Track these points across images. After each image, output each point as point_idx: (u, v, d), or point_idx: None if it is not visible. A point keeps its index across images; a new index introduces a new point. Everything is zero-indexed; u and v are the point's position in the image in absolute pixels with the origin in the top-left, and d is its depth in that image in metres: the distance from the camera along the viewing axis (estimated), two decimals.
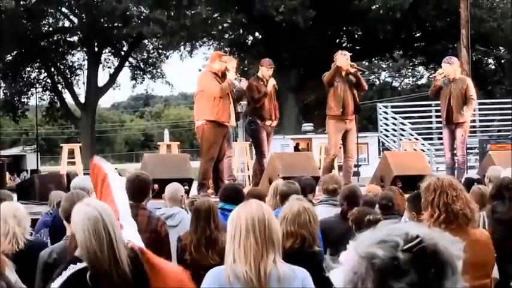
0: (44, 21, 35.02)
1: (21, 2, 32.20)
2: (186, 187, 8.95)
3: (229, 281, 3.12)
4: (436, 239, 1.46)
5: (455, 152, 11.38)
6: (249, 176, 11.42)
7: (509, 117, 24.65)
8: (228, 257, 3.18)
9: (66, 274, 3.11)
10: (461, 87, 11.11)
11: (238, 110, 10.76)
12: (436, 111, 24.06)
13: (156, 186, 6.12)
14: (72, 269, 3.11)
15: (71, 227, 4.15)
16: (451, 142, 11.38)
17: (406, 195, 5.93)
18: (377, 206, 6.06)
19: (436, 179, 3.81)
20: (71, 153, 13.45)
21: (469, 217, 3.72)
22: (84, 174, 15.22)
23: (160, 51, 36.83)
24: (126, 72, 38.20)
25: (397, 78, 54.51)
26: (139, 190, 5.68)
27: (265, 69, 11.13)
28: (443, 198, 3.71)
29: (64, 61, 36.58)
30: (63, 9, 35.02)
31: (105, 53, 36.59)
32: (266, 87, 11.01)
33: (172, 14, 30.87)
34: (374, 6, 28.83)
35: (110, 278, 3.00)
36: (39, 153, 24.12)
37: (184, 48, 34.64)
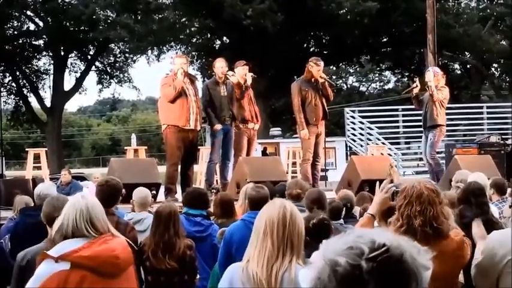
0: (8, 25, 34.57)
1: None
2: (154, 192, 8.88)
3: (241, 281, 3.10)
4: (403, 248, 1.43)
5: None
6: (216, 181, 11.32)
7: (475, 121, 24.95)
8: (245, 257, 3.16)
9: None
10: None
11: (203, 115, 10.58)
12: (403, 115, 24.25)
13: (123, 191, 6.07)
14: None
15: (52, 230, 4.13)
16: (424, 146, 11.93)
17: None
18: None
19: (411, 186, 3.80)
20: (37, 157, 13.28)
21: (429, 235, 3.69)
22: (50, 179, 15.07)
23: (127, 55, 36.58)
24: (92, 76, 37.91)
25: (364, 83, 54.94)
26: (109, 196, 5.65)
27: (240, 69, 10.90)
28: (408, 210, 3.73)
29: (29, 65, 36.14)
30: (28, 13, 34.61)
31: (71, 57, 36.26)
32: (244, 85, 10.77)
33: (139, 18, 30.70)
34: (342, 11, 28.94)
35: None
36: (4, 158, 23.75)
37: (151, 53, 34.46)
